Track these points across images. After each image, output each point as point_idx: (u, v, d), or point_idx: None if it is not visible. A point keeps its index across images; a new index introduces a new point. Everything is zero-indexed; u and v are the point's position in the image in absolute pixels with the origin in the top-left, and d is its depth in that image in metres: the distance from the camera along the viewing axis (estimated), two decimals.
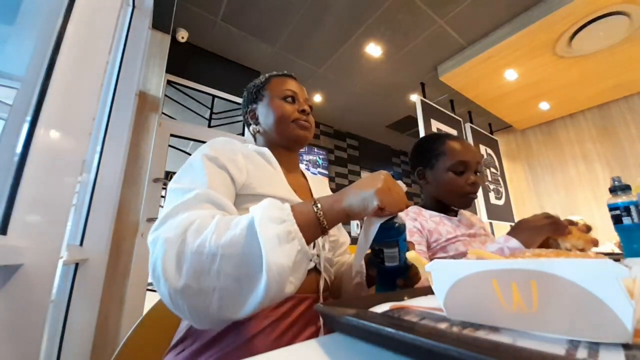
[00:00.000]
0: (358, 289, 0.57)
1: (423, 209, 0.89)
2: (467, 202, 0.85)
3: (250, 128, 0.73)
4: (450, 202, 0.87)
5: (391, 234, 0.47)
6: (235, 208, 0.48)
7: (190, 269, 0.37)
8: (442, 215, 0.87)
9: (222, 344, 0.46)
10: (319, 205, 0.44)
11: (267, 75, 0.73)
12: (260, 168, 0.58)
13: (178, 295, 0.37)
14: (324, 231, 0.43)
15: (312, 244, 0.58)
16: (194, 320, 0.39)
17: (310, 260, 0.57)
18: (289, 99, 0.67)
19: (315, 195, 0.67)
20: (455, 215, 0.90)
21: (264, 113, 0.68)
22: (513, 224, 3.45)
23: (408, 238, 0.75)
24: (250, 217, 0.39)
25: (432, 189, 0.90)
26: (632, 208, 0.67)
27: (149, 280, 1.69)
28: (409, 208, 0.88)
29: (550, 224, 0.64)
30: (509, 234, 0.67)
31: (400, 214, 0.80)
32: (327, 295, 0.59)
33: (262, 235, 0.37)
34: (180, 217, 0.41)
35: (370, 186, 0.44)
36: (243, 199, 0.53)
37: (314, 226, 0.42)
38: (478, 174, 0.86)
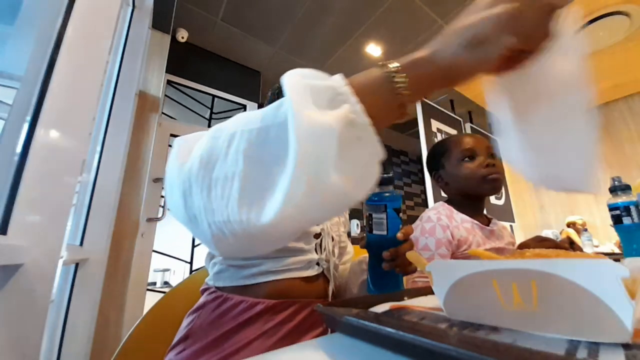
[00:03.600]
0: (364, 286, 0.58)
1: (454, 211, 0.83)
2: (490, 184, 0.80)
3: None
4: (475, 191, 0.83)
5: (382, 195, 0.47)
6: None
7: (203, 153, 0.27)
8: (475, 222, 0.82)
9: (224, 345, 0.46)
10: (391, 65, 0.27)
11: None
12: None
13: (189, 181, 0.27)
14: (401, 106, 0.27)
15: (321, 248, 0.58)
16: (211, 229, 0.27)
17: (319, 265, 0.56)
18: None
19: None
20: (488, 224, 0.85)
21: None
22: (513, 224, 3.45)
23: (435, 249, 0.74)
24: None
25: (454, 188, 0.87)
26: (632, 208, 0.67)
27: (149, 280, 1.69)
28: (439, 208, 0.83)
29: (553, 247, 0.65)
30: None
31: (431, 217, 0.78)
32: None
33: (291, 93, 0.24)
34: None
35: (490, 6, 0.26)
36: None
37: (383, 93, 0.27)
38: (494, 158, 0.83)
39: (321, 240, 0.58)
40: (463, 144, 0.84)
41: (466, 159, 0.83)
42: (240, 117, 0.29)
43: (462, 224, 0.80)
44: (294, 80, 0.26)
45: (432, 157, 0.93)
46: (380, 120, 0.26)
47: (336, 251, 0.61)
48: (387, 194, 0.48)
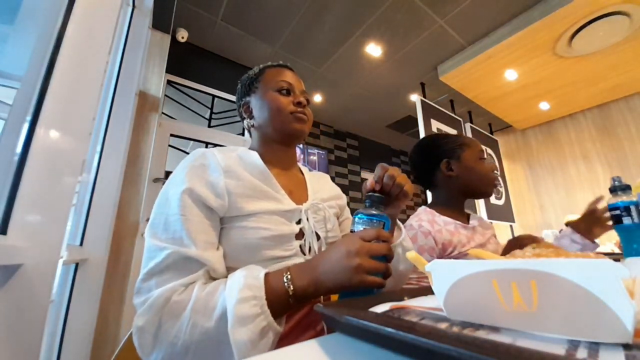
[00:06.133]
0: None
1: (436, 214, 0.83)
2: (494, 189, 0.89)
3: (245, 122, 0.68)
4: (481, 189, 0.87)
5: (380, 215, 0.48)
6: (214, 258, 0.46)
7: (164, 356, 0.41)
8: (457, 222, 0.82)
9: None
10: (290, 288, 0.42)
11: (261, 66, 0.69)
12: (243, 181, 0.53)
13: None
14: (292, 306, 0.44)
15: (309, 250, 0.56)
16: None
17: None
18: (284, 91, 0.63)
19: (312, 193, 0.63)
20: (468, 222, 0.86)
21: (258, 106, 0.64)
22: (513, 224, 3.45)
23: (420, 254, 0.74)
24: (224, 308, 0.39)
25: (462, 179, 0.86)
26: (632, 208, 0.66)
27: None
28: (422, 214, 0.83)
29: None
30: None
31: (413, 225, 0.79)
32: (327, 297, 0.59)
33: (234, 340, 0.38)
34: (154, 292, 0.42)
35: (345, 263, 0.41)
36: (231, 220, 0.51)
37: (284, 304, 0.43)
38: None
39: (304, 241, 0.55)
40: (479, 145, 0.91)
41: (483, 159, 0.88)
42: (193, 323, 0.40)
43: (445, 226, 0.80)
44: (237, 330, 0.38)
45: (443, 145, 0.90)
46: (281, 314, 0.43)
47: (323, 249, 0.57)
48: (382, 214, 0.48)
